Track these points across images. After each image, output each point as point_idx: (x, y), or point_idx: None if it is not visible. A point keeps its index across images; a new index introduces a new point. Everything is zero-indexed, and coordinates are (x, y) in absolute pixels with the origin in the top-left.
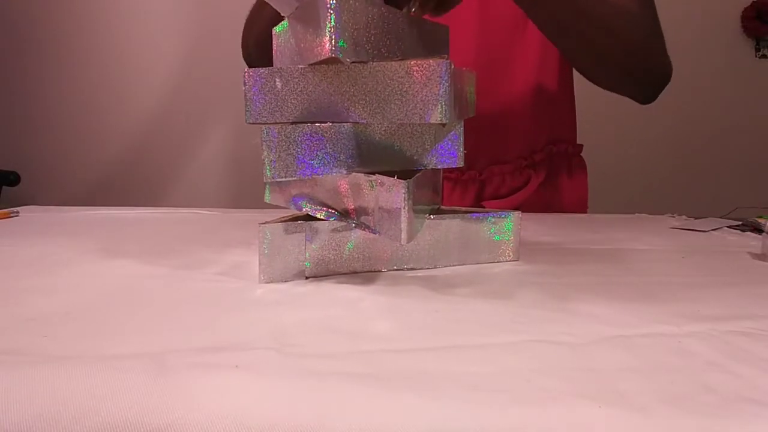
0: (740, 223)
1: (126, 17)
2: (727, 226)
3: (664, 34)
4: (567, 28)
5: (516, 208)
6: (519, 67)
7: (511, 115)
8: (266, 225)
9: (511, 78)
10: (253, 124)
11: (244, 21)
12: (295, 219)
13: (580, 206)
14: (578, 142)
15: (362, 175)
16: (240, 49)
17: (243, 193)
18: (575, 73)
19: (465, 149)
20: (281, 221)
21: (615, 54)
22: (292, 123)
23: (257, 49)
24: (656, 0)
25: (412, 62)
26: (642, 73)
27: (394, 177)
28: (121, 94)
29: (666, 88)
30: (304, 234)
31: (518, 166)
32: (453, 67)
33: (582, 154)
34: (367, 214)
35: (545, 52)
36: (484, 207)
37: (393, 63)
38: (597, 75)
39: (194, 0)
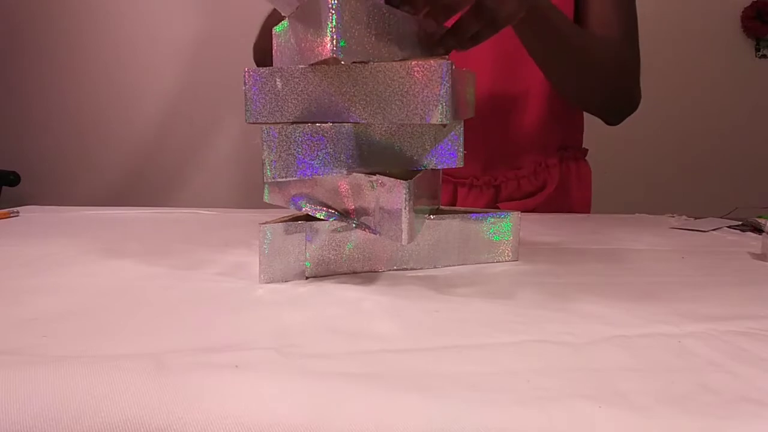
0: (740, 223)
1: (127, 17)
2: (727, 226)
3: (641, 65)
4: (551, 54)
5: (530, 211)
6: (533, 73)
7: (526, 121)
8: (267, 225)
9: (526, 84)
10: (253, 123)
11: (246, 21)
12: (295, 219)
13: (585, 207)
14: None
15: (363, 175)
16: (243, 50)
17: (243, 193)
18: None
19: (475, 153)
20: (281, 221)
21: (591, 81)
22: (293, 123)
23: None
24: (657, 1)
25: (412, 63)
26: (612, 100)
27: (393, 178)
28: (121, 93)
29: (665, 88)
30: (304, 234)
31: (533, 170)
32: (454, 67)
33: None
34: (367, 214)
35: None
36: (499, 208)
37: (394, 63)
38: (572, 96)
39: (196, 0)
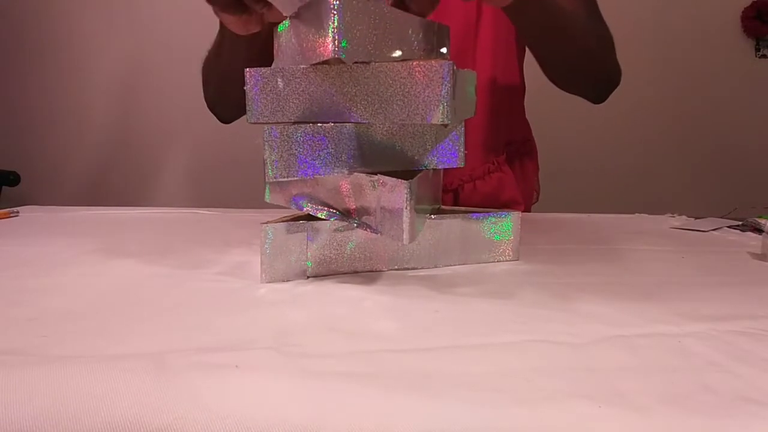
0: (740, 223)
1: (127, 17)
2: (727, 226)
3: (613, 40)
4: (543, 35)
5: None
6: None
7: (472, 122)
8: (268, 224)
9: None
10: (255, 123)
11: None
12: (297, 219)
13: (528, 198)
14: (582, 142)
15: (364, 175)
16: None
17: (243, 193)
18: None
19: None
20: (283, 221)
21: (577, 57)
22: (294, 123)
23: (219, 90)
24: (657, 1)
25: (414, 63)
26: (595, 75)
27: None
28: (122, 94)
29: (665, 88)
30: (305, 233)
31: (486, 170)
32: (455, 68)
33: (583, 156)
34: (368, 214)
35: (496, 56)
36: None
37: (395, 63)
38: (557, 77)
39: (201, 1)
